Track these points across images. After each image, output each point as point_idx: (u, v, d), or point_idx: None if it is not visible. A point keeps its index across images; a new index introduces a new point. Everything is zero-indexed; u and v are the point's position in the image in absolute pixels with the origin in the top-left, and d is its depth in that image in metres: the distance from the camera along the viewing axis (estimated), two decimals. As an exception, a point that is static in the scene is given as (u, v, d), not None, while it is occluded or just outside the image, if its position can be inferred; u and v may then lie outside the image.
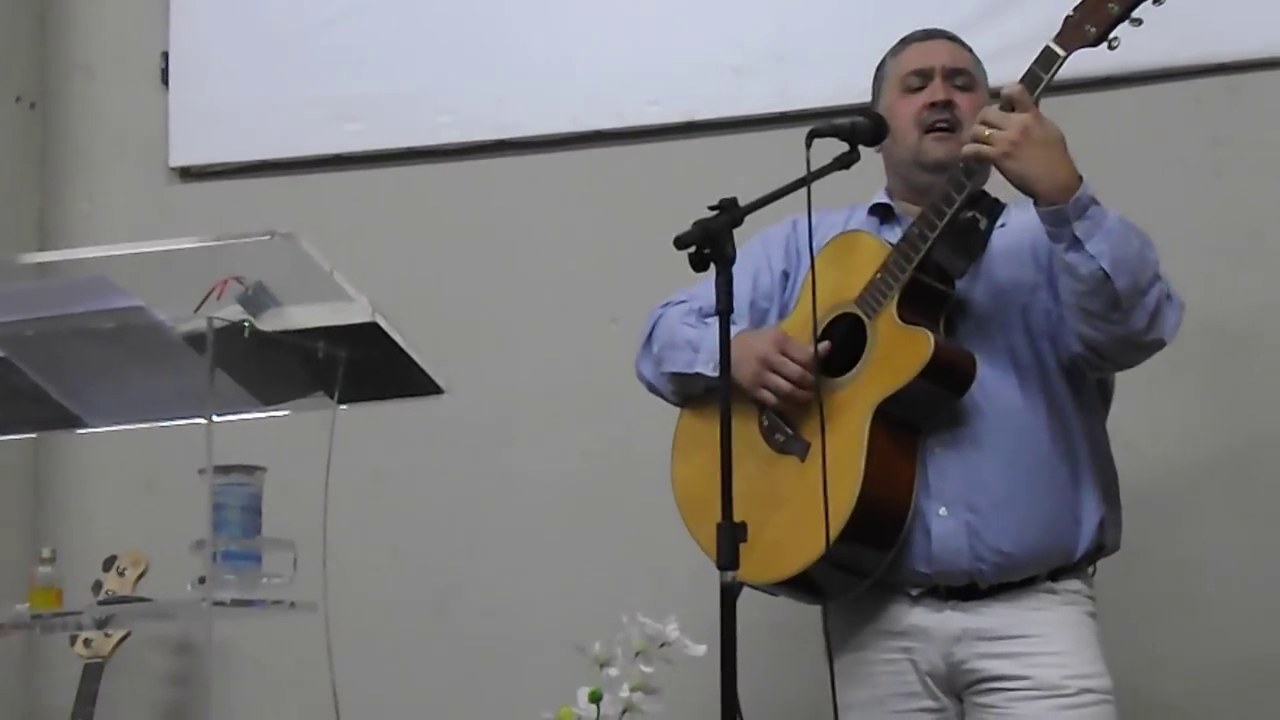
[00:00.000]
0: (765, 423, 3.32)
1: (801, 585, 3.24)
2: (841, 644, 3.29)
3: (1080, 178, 3.11)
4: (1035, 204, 3.13)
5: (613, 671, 3.08)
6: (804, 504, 3.14)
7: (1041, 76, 3.15)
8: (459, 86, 4.74)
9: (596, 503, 4.49)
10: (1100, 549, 3.32)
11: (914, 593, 3.26)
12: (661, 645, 3.08)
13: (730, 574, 2.79)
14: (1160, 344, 3.23)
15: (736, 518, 2.80)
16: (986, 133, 3.11)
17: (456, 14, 4.77)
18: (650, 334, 3.49)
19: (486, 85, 4.72)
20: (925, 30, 3.48)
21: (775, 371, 3.24)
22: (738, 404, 3.22)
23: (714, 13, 4.59)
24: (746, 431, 3.29)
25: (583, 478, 4.53)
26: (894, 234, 3.37)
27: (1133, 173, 4.11)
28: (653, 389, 3.50)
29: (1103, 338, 3.17)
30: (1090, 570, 3.33)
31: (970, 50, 3.46)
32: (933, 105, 3.35)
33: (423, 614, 4.58)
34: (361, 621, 4.30)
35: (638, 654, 3.09)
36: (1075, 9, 3.17)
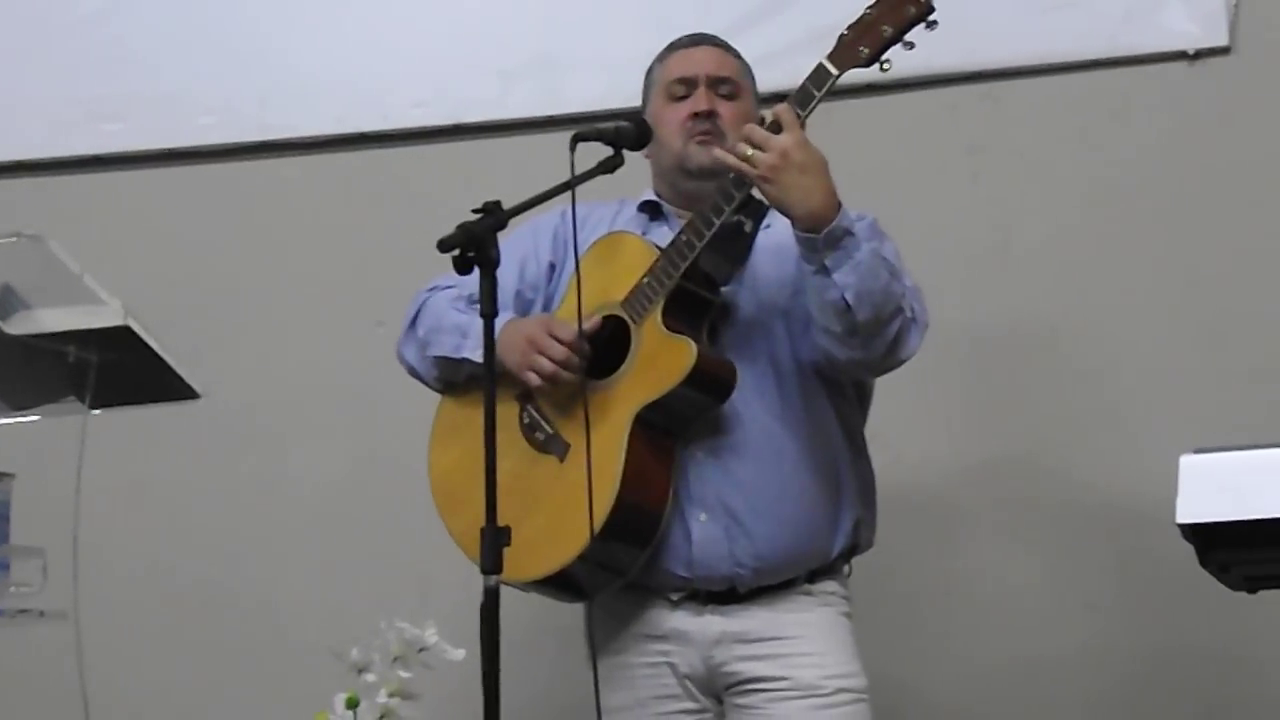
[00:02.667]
0: (526, 420, 3.32)
1: (557, 583, 3.25)
2: (603, 648, 3.29)
3: (839, 205, 3.12)
4: (792, 225, 3.16)
5: (370, 677, 3.06)
6: (562, 504, 3.15)
7: (814, 94, 3.15)
8: (221, 87, 4.68)
9: (362, 507, 4.46)
10: (854, 549, 3.37)
11: (674, 597, 3.28)
12: (420, 650, 3.06)
13: (494, 578, 2.77)
14: (897, 365, 3.27)
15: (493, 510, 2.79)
16: (749, 152, 3.12)
17: (218, 13, 4.71)
18: (415, 317, 3.45)
19: (249, 85, 4.67)
20: (691, 36, 3.49)
21: (541, 352, 3.22)
22: (501, 400, 3.22)
23: (481, 16, 4.59)
24: (507, 428, 3.27)
25: (348, 482, 4.50)
26: (662, 232, 3.38)
27: (891, 179, 4.18)
28: (414, 373, 3.47)
29: (839, 356, 3.21)
30: (846, 571, 3.37)
31: (737, 56, 3.47)
32: (696, 115, 3.37)
33: (180, 622, 4.51)
34: (116, 630, 4.25)
35: (396, 659, 3.07)
36: (849, 28, 3.18)
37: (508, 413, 3.30)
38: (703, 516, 3.24)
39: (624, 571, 3.23)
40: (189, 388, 3.06)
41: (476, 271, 2.85)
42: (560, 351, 3.21)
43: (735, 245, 3.28)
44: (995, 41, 4.25)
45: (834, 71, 3.16)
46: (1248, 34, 4.17)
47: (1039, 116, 4.28)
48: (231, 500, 4.55)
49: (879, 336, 3.16)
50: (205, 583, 4.52)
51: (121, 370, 2.98)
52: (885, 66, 3.18)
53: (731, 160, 3.13)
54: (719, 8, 4.23)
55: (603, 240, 3.38)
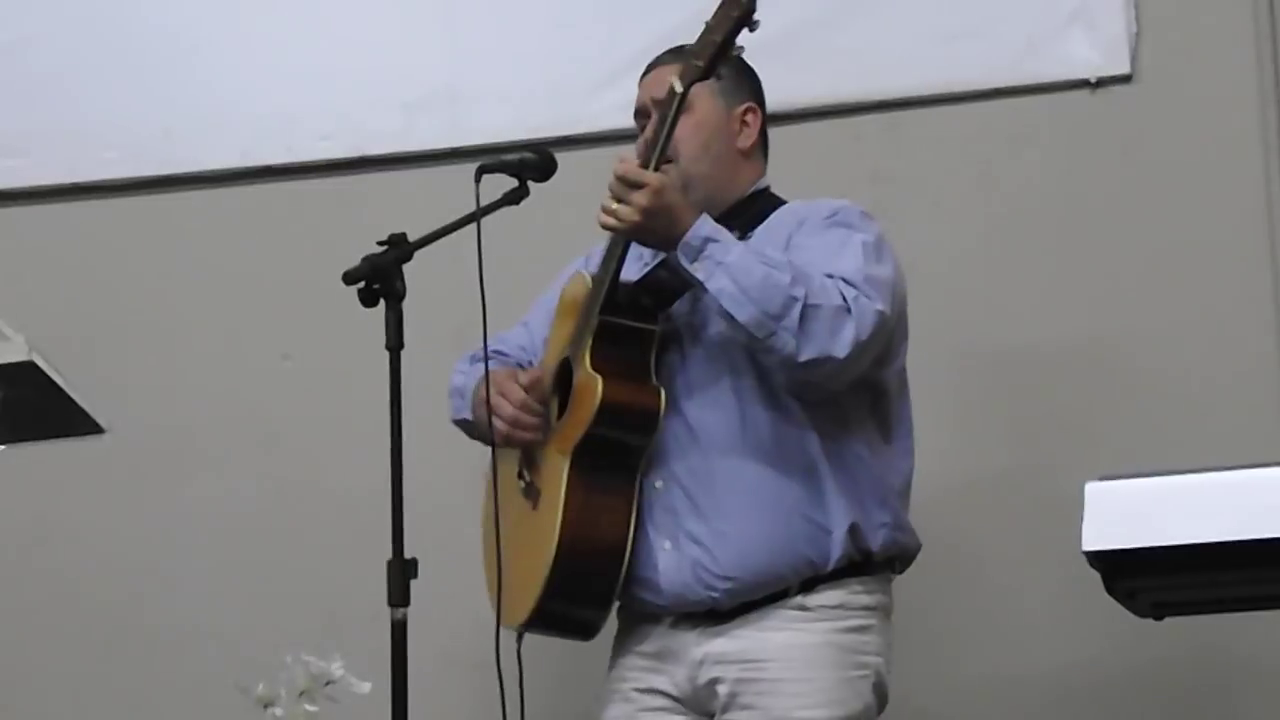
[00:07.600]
0: (519, 471, 3.34)
1: (543, 624, 3.26)
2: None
3: (693, 220, 3.11)
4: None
5: (277, 711, 3.04)
6: (533, 549, 3.17)
7: (666, 114, 3.19)
8: (125, 120, 4.64)
9: (268, 540, 4.43)
10: (869, 554, 3.26)
11: (666, 619, 3.28)
12: (327, 684, 3.05)
13: (401, 611, 2.79)
14: (833, 360, 3.12)
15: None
16: (614, 206, 3.11)
17: (121, 46, 4.67)
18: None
19: (153, 119, 4.63)
20: (654, 60, 3.47)
21: (494, 412, 3.25)
22: (507, 452, 3.30)
23: (385, 48, 4.57)
24: (509, 479, 3.32)
25: (254, 514, 4.46)
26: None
27: (797, 209, 4.18)
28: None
29: (769, 364, 3.18)
30: (860, 580, 3.28)
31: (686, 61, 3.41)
32: None
33: (84, 656, 4.46)
34: (22, 665, 4.21)
35: (302, 693, 3.05)
36: (693, 45, 3.22)
37: (510, 464, 3.34)
38: (667, 545, 3.24)
39: (599, 605, 3.25)
40: (94, 422, 3.04)
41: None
42: (509, 412, 3.25)
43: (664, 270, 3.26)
44: (898, 71, 4.26)
45: (679, 89, 3.20)
46: (1150, 62, 4.20)
47: (942, 145, 4.30)
48: (136, 533, 4.50)
49: (780, 332, 3.08)
50: (109, 616, 4.48)
51: (26, 406, 2.96)
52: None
53: (602, 219, 3.13)
54: (623, 41, 4.22)
55: (566, 285, 3.39)
